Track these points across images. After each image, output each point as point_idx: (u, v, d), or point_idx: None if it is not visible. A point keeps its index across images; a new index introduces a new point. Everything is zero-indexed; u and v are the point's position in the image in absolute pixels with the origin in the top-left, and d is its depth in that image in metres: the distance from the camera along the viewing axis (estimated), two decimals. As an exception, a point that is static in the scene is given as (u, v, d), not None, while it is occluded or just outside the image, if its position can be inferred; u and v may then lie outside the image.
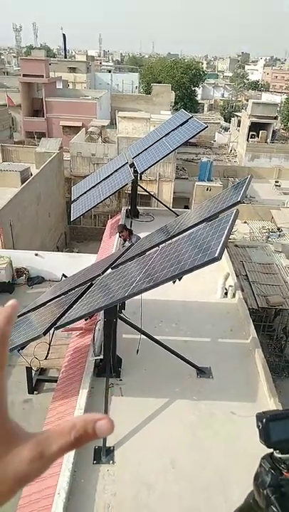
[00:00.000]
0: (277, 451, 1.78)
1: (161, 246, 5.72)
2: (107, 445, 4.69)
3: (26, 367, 8.54)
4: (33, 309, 6.92)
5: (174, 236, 5.76)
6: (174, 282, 4.41)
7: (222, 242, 3.95)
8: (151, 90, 39.94)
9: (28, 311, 6.95)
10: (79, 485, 4.34)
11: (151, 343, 5.81)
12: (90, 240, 23.20)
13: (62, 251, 20.23)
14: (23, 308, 7.32)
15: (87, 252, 15.15)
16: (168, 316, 7.28)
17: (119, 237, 9.30)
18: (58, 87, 37.12)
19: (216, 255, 3.75)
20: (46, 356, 6.81)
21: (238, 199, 5.47)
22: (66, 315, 5.23)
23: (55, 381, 8.76)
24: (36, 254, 13.23)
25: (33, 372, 9.08)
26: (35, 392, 9.10)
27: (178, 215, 9.36)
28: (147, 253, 6.03)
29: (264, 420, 1.74)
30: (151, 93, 39.33)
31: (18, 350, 5.76)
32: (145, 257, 5.73)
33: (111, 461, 4.58)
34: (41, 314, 6.13)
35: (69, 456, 4.45)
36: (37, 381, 9.26)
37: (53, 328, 5.20)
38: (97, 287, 5.78)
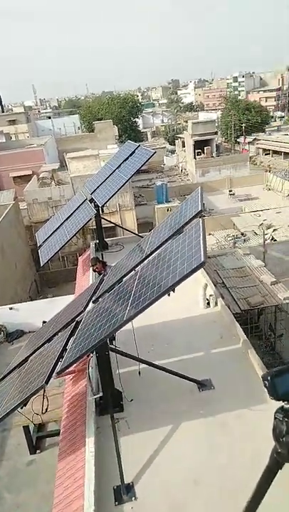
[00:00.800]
0: (286, 402, 1.97)
1: (137, 269, 5.76)
2: (126, 482, 4.52)
3: (23, 426, 8.17)
4: (17, 367, 6.66)
5: (148, 256, 5.83)
6: (168, 295, 4.42)
7: (202, 246, 4.07)
8: (94, 128, 40.97)
9: (10, 372, 6.68)
10: (106, 531, 4.13)
11: (148, 369, 5.76)
12: (62, 283, 22.91)
13: (36, 299, 19.84)
14: (6, 366, 7.08)
15: (62, 295, 14.92)
16: (158, 338, 7.24)
17: (94, 271, 9.27)
18: (0, 141, 37.41)
19: (202, 260, 3.85)
20: (46, 409, 6.53)
21: (199, 208, 5.65)
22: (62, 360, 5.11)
23: (56, 434, 8.43)
24: (11, 308, 12.89)
25: (32, 431, 8.69)
26: (37, 452, 8.66)
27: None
28: (124, 280, 6.06)
29: (269, 378, 1.94)
30: (94, 131, 40.33)
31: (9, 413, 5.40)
32: (124, 284, 5.74)
33: (133, 498, 4.40)
34: (30, 368, 5.88)
35: (89, 504, 4.25)
36: (37, 439, 8.86)
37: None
38: (84, 325, 5.69)
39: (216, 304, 8.03)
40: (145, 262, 5.86)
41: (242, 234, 21.10)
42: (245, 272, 10.94)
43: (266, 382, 1.94)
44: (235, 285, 10.28)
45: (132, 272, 5.94)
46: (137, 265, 5.91)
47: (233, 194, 31.59)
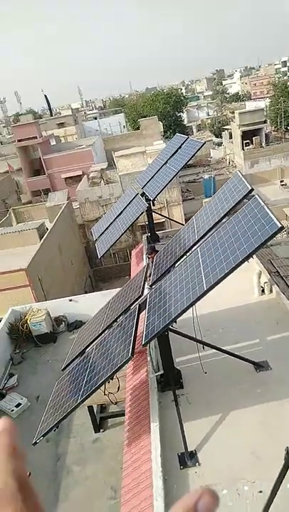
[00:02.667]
0: None
1: (197, 246, 6.10)
2: (189, 449, 4.93)
3: (88, 407, 8.83)
4: (80, 354, 7.22)
5: (202, 237, 6.18)
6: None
7: (270, 214, 4.45)
8: (139, 126, 41.62)
9: (76, 357, 7.27)
10: (172, 491, 4.56)
11: (206, 351, 6.11)
12: (114, 278, 23.79)
13: (91, 294, 20.79)
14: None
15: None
16: (213, 324, 7.55)
17: (149, 258, 9.77)
18: (52, 143, 39.09)
19: (278, 225, 4.25)
20: (118, 387, 7.01)
21: (248, 187, 5.94)
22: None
23: (117, 415, 9.04)
24: (70, 300, 13.74)
25: (95, 411, 9.34)
26: (101, 431, 9.31)
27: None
28: (184, 259, 6.42)
29: None
30: (140, 128, 40.96)
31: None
32: (187, 262, 6.08)
33: (196, 463, 4.80)
34: (103, 351, 6.28)
35: (157, 467, 4.70)
36: (100, 419, 9.50)
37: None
38: (151, 305, 6.02)
39: (271, 291, 8.19)
40: (204, 240, 6.16)
41: (295, 224, 20.72)
42: (299, 261, 10.92)
43: None
44: (290, 273, 10.31)
45: (193, 249, 6.28)
46: (194, 244, 6.23)
47: (285, 184, 30.89)
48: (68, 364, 7.27)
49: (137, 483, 4.90)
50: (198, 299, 4.84)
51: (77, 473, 7.98)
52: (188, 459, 4.86)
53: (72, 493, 7.53)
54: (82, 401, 5.37)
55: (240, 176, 7.03)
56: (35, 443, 5.37)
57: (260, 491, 4.28)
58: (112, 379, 5.43)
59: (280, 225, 4.40)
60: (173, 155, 11.71)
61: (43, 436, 5.42)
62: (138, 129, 42.68)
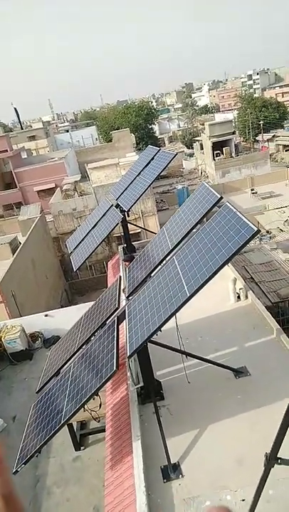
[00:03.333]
0: None
1: (170, 256, 6.10)
2: (172, 462, 4.84)
3: (67, 424, 8.60)
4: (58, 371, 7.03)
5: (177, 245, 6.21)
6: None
7: (244, 219, 4.55)
8: (112, 138, 41.85)
9: (54, 375, 7.07)
10: (157, 505, 4.46)
11: (185, 361, 6.07)
12: (91, 291, 23.54)
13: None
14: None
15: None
16: (191, 333, 7.54)
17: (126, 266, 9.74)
18: (23, 157, 38.73)
19: (253, 228, 4.29)
20: (100, 404, 6.86)
21: (217, 195, 6.05)
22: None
23: (98, 432, 8.83)
24: (46, 315, 13.47)
25: (75, 428, 9.10)
26: (81, 448, 9.07)
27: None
28: (160, 268, 6.41)
29: None
30: (112, 140, 41.18)
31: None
32: (164, 271, 6.06)
33: (180, 475, 4.72)
34: (83, 366, 6.12)
35: (140, 482, 4.59)
36: (80, 436, 9.27)
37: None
38: (134, 318, 5.94)
39: (247, 297, 8.28)
40: (179, 249, 6.17)
41: (267, 232, 21.17)
42: (273, 266, 11.14)
43: None
44: (264, 279, 10.49)
45: (169, 258, 6.28)
46: (168, 254, 6.24)
47: (256, 193, 31.60)
48: (43, 386, 7.07)
49: (120, 501, 4.76)
50: (182, 305, 4.82)
51: (58, 495, 7.72)
52: (171, 471, 4.78)
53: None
54: (68, 419, 5.21)
55: (207, 185, 7.12)
56: (16, 471, 5.15)
57: (243, 500, 4.24)
58: (97, 395, 5.31)
59: (255, 229, 4.46)
60: (146, 166, 11.79)
61: (25, 463, 5.21)
62: (110, 141, 42.91)
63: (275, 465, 3.57)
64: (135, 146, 42.92)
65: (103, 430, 6.91)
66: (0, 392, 11.39)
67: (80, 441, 8.99)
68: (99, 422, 7.23)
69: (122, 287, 7.62)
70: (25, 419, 6.81)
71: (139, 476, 4.63)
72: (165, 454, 4.86)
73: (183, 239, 6.25)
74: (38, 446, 5.23)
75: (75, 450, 8.72)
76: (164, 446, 4.93)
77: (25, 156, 40.26)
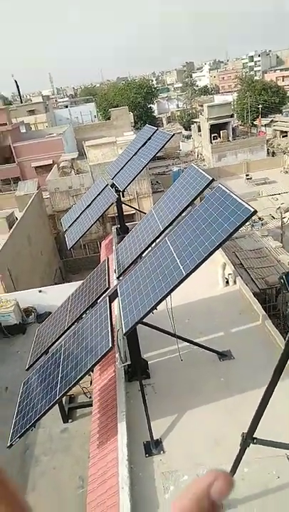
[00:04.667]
0: None
1: (162, 237, 6.11)
2: (155, 438, 4.99)
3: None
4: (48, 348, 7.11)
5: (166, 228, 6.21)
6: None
7: (240, 201, 4.52)
8: (110, 116, 41.09)
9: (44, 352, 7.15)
10: (138, 478, 4.62)
11: (171, 342, 6.17)
12: (84, 270, 23.52)
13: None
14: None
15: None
16: (178, 315, 7.61)
17: None
18: (22, 131, 37.97)
19: (252, 210, 4.37)
20: (91, 381, 6.97)
21: (209, 177, 6.02)
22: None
23: (85, 406, 9.01)
24: (40, 291, 13.53)
25: (64, 402, 9.29)
26: (69, 421, 9.26)
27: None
28: (151, 250, 6.44)
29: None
30: (111, 118, 40.45)
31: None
32: (156, 252, 6.08)
33: (161, 451, 4.88)
34: (77, 343, 6.14)
35: (123, 455, 4.74)
36: (68, 410, 9.46)
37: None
38: (127, 297, 5.98)
39: (235, 282, 8.36)
40: (172, 230, 6.16)
41: (259, 218, 21.18)
42: (263, 253, 11.21)
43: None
44: (254, 265, 10.58)
45: (160, 239, 6.29)
46: (159, 235, 6.24)
47: (250, 178, 31.42)
48: (33, 363, 7.16)
49: (103, 472, 4.93)
50: (178, 284, 4.82)
51: (45, 463, 7.94)
52: (153, 447, 4.93)
53: (40, 483, 7.49)
54: (64, 394, 5.31)
55: (196, 167, 7.07)
56: (11, 445, 5.28)
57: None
58: (92, 371, 5.39)
59: (252, 209, 4.45)
60: (142, 146, 11.64)
61: (19, 437, 5.33)
62: (109, 118, 42.15)
63: (251, 445, 3.70)
64: (133, 125, 42.20)
65: (90, 405, 7.07)
66: (-8, 365, 11.53)
67: (68, 414, 9.19)
68: (90, 398, 7.37)
69: (112, 267, 7.66)
70: (16, 390, 6.94)
71: (122, 450, 4.78)
72: (148, 431, 5.00)
73: (174, 221, 6.24)
74: (33, 420, 5.35)
75: (63, 422, 8.92)
76: (148, 422, 5.07)
77: (24, 131, 39.46)
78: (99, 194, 12.18)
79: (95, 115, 55.61)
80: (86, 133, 38.66)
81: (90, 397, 7.35)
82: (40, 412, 5.44)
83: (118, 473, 4.62)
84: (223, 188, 5.33)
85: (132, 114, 44.18)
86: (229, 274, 8.38)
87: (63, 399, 9.13)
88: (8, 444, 5.43)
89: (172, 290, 5.01)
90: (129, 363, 6.00)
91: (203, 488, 0.39)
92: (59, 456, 8.16)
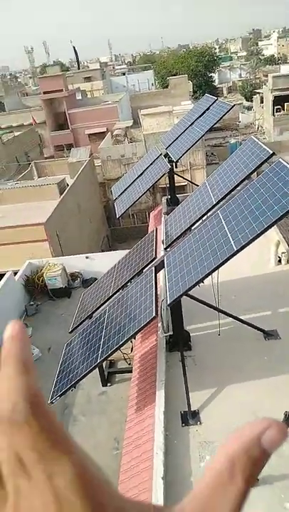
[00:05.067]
0: None
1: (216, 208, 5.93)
2: (192, 409, 5.01)
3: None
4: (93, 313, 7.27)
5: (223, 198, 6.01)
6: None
7: None
8: (168, 84, 40.07)
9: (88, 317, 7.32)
10: (173, 445, 4.69)
11: (215, 317, 6.07)
12: (131, 239, 23.70)
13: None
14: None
15: (132, 249, 15.66)
16: (225, 291, 7.46)
17: None
18: (77, 98, 38.11)
19: None
20: (132, 348, 7.13)
21: (269, 151, 5.69)
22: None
23: (125, 372, 9.24)
24: (87, 257, 13.82)
25: (104, 366, 9.58)
26: (108, 385, 9.56)
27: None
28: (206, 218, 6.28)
29: None
30: (169, 87, 39.44)
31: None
32: (209, 223, 5.94)
33: (198, 422, 4.90)
34: (122, 310, 6.23)
35: (160, 422, 4.82)
36: (108, 374, 9.76)
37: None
38: (175, 267, 5.94)
39: (288, 261, 8.03)
40: (225, 203, 5.96)
41: None
42: None
43: None
44: (309, 246, 10.06)
45: (212, 212, 6.12)
46: (211, 208, 6.07)
47: (314, 155, 29.67)
48: (76, 327, 7.36)
49: (139, 436, 5.05)
50: (227, 259, 4.67)
51: (83, 423, 8.30)
52: (190, 417, 4.96)
53: (77, 442, 7.86)
54: (105, 358, 5.44)
55: (256, 140, 6.70)
56: (52, 403, 5.53)
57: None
58: (134, 338, 5.45)
59: None
60: (200, 116, 11.25)
61: (60, 396, 5.55)
62: (167, 87, 41.13)
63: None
64: (192, 94, 40.90)
65: (130, 371, 7.22)
66: (38, 324, 12.08)
67: (107, 378, 9.49)
68: (130, 364, 7.52)
69: (159, 238, 7.60)
70: (58, 351, 7.22)
71: (159, 417, 4.85)
72: (186, 401, 5.03)
73: (228, 194, 6.01)
74: (74, 381, 5.53)
75: (102, 386, 9.22)
76: (186, 393, 5.08)
77: (80, 97, 39.55)
78: (152, 164, 12.03)
79: (152, 83, 54.51)
80: (142, 101, 38.04)
81: (130, 364, 7.50)
82: (80, 374, 5.61)
83: (154, 438, 4.71)
84: (284, 163, 5.03)
85: (191, 82, 42.76)
86: (283, 252, 8.05)
87: (104, 363, 9.43)
88: (50, 400, 5.69)
89: (221, 265, 4.86)
90: (171, 333, 6.01)
91: (255, 435, 0.35)
92: (96, 417, 8.49)
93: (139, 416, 5.28)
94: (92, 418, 8.55)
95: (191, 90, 41.22)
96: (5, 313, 11.73)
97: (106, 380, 9.42)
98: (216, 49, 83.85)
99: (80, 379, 5.63)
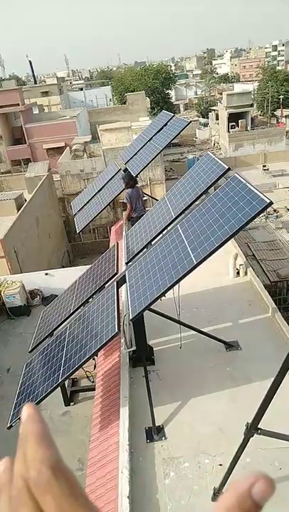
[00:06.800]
0: None
1: (172, 226, 6.06)
2: (157, 424, 5.01)
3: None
4: (52, 332, 7.14)
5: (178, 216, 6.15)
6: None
7: (257, 192, 4.47)
8: (126, 100, 40.71)
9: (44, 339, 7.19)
10: (138, 463, 4.65)
11: (178, 330, 6.16)
12: (92, 255, 23.57)
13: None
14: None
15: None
16: (187, 303, 7.60)
17: (126, 188, 10.35)
18: (34, 112, 37.89)
19: (266, 200, 4.29)
20: (95, 365, 7.04)
21: (225, 166, 5.92)
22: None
23: (88, 390, 9.09)
24: (46, 274, 13.58)
25: (66, 385, 9.38)
26: (71, 404, 9.35)
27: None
28: (159, 239, 6.40)
29: None
30: (126, 102, 40.08)
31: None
32: (167, 239, 6.04)
33: (163, 438, 4.90)
34: (82, 327, 6.14)
35: (124, 440, 4.77)
36: (71, 393, 9.56)
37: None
38: (135, 283, 5.95)
39: (246, 273, 8.30)
40: (184, 218, 6.09)
41: (274, 210, 20.95)
42: (276, 245, 11.10)
43: None
44: (266, 257, 10.48)
45: (172, 227, 6.23)
46: (170, 222, 6.19)
47: (267, 169, 31.02)
48: (36, 346, 7.20)
49: (103, 456, 4.97)
50: (188, 272, 4.77)
51: (45, 444, 8.03)
52: (155, 433, 4.95)
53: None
54: (66, 378, 5.35)
55: (212, 155, 6.97)
56: (11, 426, 5.35)
57: (220, 464, 4.41)
58: (96, 355, 5.39)
59: (268, 200, 4.38)
60: (158, 132, 11.51)
61: (20, 419, 5.36)
62: (125, 103, 41.76)
63: (256, 436, 3.69)
64: (150, 110, 41.78)
65: (93, 389, 7.11)
66: (-5, 345, 11.67)
67: (70, 397, 9.28)
68: (93, 382, 7.41)
69: (120, 253, 7.65)
70: (18, 372, 7.00)
71: (124, 435, 4.81)
72: (150, 416, 5.02)
73: (187, 208, 6.18)
74: (35, 401, 5.38)
75: (65, 405, 9.00)
76: (151, 408, 5.08)
77: (37, 112, 39.35)
78: (111, 179, 12.13)
79: (110, 99, 55.22)
80: (100, 117, 38.40)
81: (93, 382, 7.39)
82: (42, 395, 5.48)
83: (118, 457, 4.65)
84: (239, 177, 5.25)
85: (148, 99, 43.70)
86: (240, 264, 8.31)
87: (66, 382, 9.22)
88: (8, 425, 5.50)
89: (182, 278, 4.97)
90: (134, 348, 6.00)
91: (246, 488, 0.40)
92: (59, 438, 8.24)
93: (103, 435, 5.20)
94: (55, 439, 8.21)
95: (149, 107, 42.14)
96: None
97: (69, 399, 9.22)
98: (171, 66, 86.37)
99: (42, 399, 5.49)
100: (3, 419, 6.11)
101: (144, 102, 39.32)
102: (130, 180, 10.47)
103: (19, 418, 4.92)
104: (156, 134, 11.52)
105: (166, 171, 27.96)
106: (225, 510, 0.39)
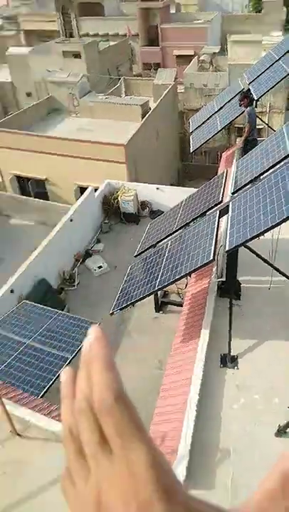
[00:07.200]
0: None
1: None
2: (232, 354, 4.99)
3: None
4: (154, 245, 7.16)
5: None
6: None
7: None
8: (261, 8, 34.11)
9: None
10: (210, 381, 4.77)
11: (267, 272, 5.67)
12: (200, 178, 22.46)
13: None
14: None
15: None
16: (284, 248, 6.91)
17: (240, 106, 9.28)
18: (171, 11, 34.18)
19: None
20: (186, 284, 7.09)
21: None
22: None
23: (176, 305, 9.19)
24: (157, 188, 13.40)
25: (158, 294, 9.67)
26: (160, 312, 9.68)
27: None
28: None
29: None
30: (262, 11, 33.68)
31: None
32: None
33: (236, 367, 4.90)
34: (181, 248, 6.07)
35: (201, 353, 4.85)
36: (161, 303, 9.87)
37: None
38: (241, 211, 5.55)
39: None
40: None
41: None
42: None
43: None
44: None
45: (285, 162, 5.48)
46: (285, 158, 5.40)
47: None
48: (141, 253, 7.36)
49: (181, 365, 5.21)
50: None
51: (134, 339, 8.74)
52: (229, 361, 4.97)
53: (125, 350, 8.32)
54: (162, 287, 5.49)
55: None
56: (112, 313, 5.79)
57: (289, 407, 4.31)
58: (190, 276, 5.33)
59: None
60: (288, 52, 9.60)
61: (120, 309, 5.79)
62: (260, 12, 35.24)
63: None
64: (285, 24, 34.27)
65: (181, 305, 7.27)
66: (109, 242, 12.36)
67: (160, 305, 9.63)
68: (182, 298, 7.53)
69: (228, 181, 7.06)
70: (123, 270, 7.39)
71: (202, 349, 4.90)
72: (227, 345, 5.00)
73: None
74: (134, 300, 5.67)
75: (155, 311, 9.40)
76: (229, 337, 5.04)
77: (174, 11, 35.28)
78: (232, 99, 10.80)
79: (246, 5, 46.83)
80: (232, 25, 33.20)
81: (182, 298, 7.52)
82: (138, 296, 5.70)
83: (193, 369, 4.81)
84: None
85: (285, 9, 35.16)
86: None
87: (159, 292, 9.57)
88: (111, 312, 5.96)
89: (285, 220, 4.41)
90: (224, 279, 5.82)
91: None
92: (146, 337, 8.83)
93: (184, 347, 5.40)
94: (143, 337, 8.88)
95: (284, 19, 34.08)
96: (84, 225, 12.02)
97: (159, 307, 9.59)
98: None
99: (138, 300, 5.76)
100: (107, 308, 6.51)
101: (281, 13, 32.29)
102: (245, 98, 9.16)
103: (119, 309, 5.32)
104: (285, 53, 9.63)
105: (288, 98, 23.96)
106: (281, 475, 0.37)
